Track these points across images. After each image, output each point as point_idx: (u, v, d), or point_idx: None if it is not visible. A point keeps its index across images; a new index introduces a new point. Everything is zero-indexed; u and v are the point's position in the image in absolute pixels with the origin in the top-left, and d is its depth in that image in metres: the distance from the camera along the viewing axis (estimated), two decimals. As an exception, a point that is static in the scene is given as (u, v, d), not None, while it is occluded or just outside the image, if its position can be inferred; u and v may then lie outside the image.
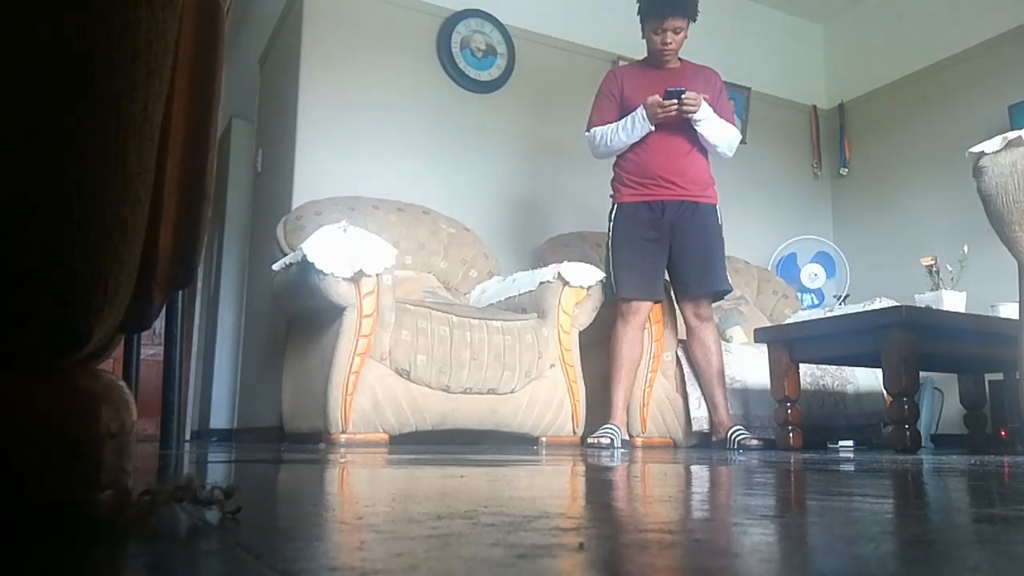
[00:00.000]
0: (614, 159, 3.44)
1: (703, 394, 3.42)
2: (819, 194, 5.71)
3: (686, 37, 3.32)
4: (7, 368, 0.55)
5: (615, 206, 3.41)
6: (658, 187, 3.31)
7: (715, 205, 3.38)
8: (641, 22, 3.34)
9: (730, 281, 3.47)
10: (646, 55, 3.44)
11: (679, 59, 3.42)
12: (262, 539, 0.55)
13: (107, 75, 0.51)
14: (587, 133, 3.43)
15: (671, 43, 3.29)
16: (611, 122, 3.35)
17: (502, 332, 3.19)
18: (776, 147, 5.53)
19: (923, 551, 0.52)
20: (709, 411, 3.40)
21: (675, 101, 3.18)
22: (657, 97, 3.20)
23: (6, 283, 0.52)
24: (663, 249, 3.32)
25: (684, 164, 3.32)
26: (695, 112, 3.20)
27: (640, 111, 3.25)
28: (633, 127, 3.27)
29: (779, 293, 4.73)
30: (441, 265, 3.85)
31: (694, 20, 3.31)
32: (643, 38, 3.37)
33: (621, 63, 4.30)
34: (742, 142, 5.33)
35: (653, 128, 3.25)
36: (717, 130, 3.30)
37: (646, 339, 3.44)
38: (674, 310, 3.49)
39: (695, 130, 3.29)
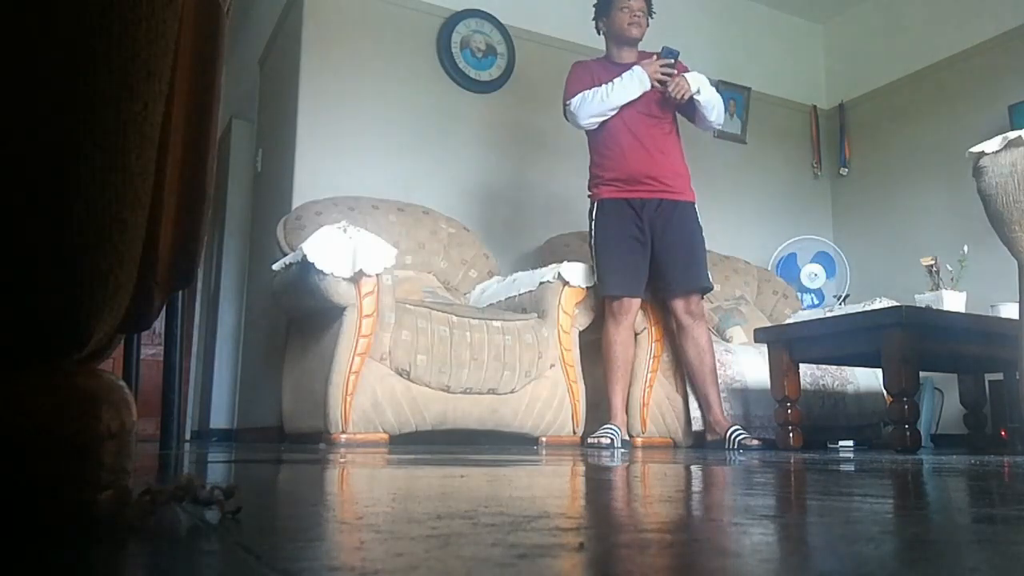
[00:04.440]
0: (590, 159, 3.45)
1: (695, 393, 3.41)
2: (819, 194, 5.71)
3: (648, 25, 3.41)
4: (7, 368, 0.55)
5: (596, 203, 3.41)
6: (638, 185, 3.32)
7: (694, 203, 3.39)
8: (599, 13, 3.43)
9: (712, 280, 3.49)
10: (605, 53, 3.50)
11: (638, 51, 3.44)
12: (262, 539, 0.55)
13: (107, 75, 0.51)
14: (570, 100, 3.37)
15: (639, 14, 3.34)
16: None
17: (502, 332, 3.19)
18: (776, 147, 5.53)
19: (923, 551, 0.52)
20: (702, 410, 3.40)
21: (670, 61, 3.24)
22: (648, 61, 3.27)
23: (6, 283, 0.52)
24: (645, 248, 3.32)
25: (661, 161, 3.34)
26: (688, 93, 3.26)
27: (638, 70, 3.27)
28: (631, 82, 3.29)
29: (779, 293, 4.73)
30: (441, 265, 3.85)
31: (651, 15, 3.40)
32: (599, 33, 3.47)
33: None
34: (743, 142, 5.36)
35: (649, 88, 3.28)
36: (711, 94, 3.36)
37: (646, 339, 3.44)
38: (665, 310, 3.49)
39: (670, 128, 3.37)
